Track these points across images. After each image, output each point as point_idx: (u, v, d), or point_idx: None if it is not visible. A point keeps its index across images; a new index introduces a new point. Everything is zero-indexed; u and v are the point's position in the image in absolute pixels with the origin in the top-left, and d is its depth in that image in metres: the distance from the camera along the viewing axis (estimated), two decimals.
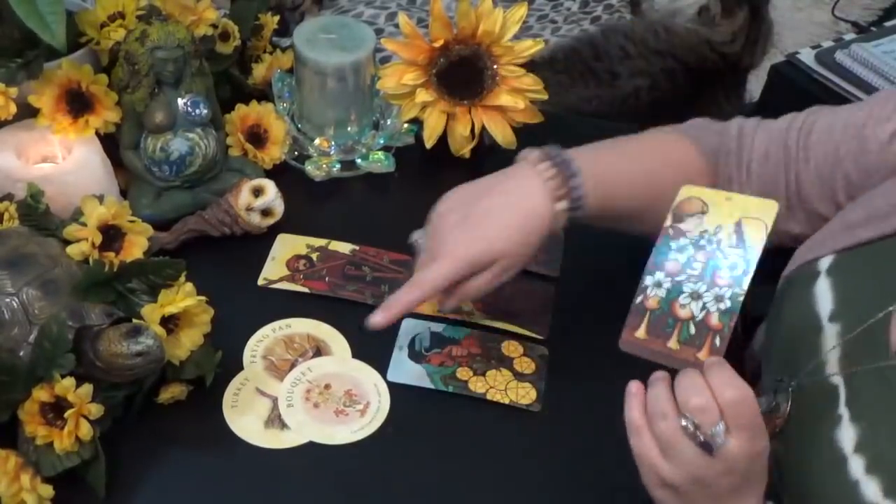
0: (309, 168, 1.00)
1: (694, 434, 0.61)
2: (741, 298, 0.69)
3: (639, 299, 0.72)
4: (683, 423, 0.62)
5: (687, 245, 0.72)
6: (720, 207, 0.73)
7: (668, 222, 0.73)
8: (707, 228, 0.73)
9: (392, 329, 0.85)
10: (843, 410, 0.65)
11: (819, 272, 0.73)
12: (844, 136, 0.77)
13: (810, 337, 0.70)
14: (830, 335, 0.69)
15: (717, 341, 0.69)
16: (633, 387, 0.66)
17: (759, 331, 0.86)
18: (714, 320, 0.70)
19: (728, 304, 0.69)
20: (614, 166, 0.81)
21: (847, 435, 0.64)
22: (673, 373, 0.66)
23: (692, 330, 0.70)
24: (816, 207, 0.79)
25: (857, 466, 0.62)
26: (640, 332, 0.72)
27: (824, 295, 0.71)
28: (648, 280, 0.73)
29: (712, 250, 0.71)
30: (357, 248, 0.93)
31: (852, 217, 0.74)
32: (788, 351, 0.73)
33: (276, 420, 0.77)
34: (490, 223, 0.75)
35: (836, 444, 0.64)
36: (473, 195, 0.77)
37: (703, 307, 0.70)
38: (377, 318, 0.75)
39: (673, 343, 0.70)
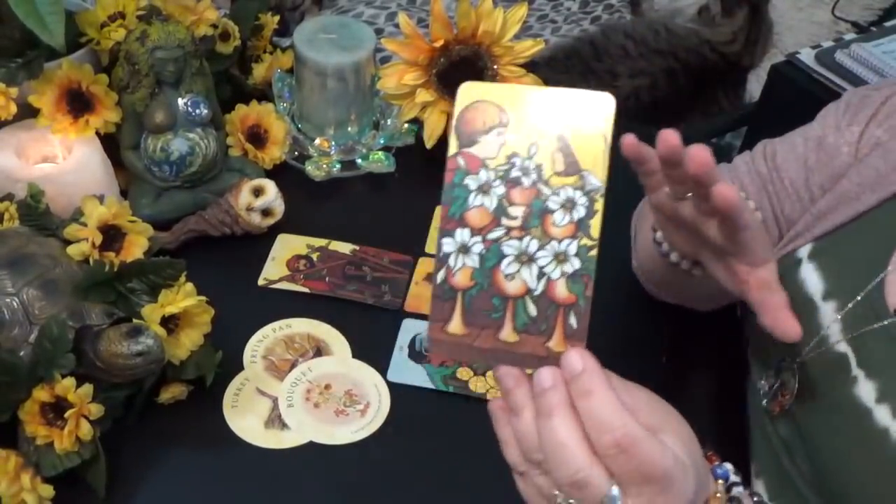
0: (309, 168, 1.00)
1: None
2: (593, 252, 0.49)
3: (440, 276, 0.49)
4: (559, 500, 0.48)
5: (492, 180, 0.49)
6: (527, 114, 0.49)
7: (454, 149, 0.49)
8: (516, 150, 0.49)
9: (392, 329, 0.85)
10: (857, 371, 0.65)
11: (800, 259, 0.74)
12: (807, 148, 0.79)
13: (806, 318, 0.70)
14: (827, 312, 0.70)
15: (573, 320, 0.49)
16: (494, 406, 0.52)
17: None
18: (561, 290, 0.49)
19: (576, 263, 0.49)
20: None
21: (866, 390, 0.64)
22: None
23: (532, 310, 0.49)
24: None
25: (882, 415, 0.62)
26: (455, 326, 0.50)
27: (811, 277, 0.72)
28: (448, 244, 0.49)
29: (532, 183, 0.49)
30: (357, 248, 0.93)
31: (823, 206, 0.75)
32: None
33: (276, 420, 0.77)
34: None
35: (856, 401, 0.64)
36: None
37: (541, 273, 0.49)
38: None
39: (507, 333, 0.49)
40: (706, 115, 1.77)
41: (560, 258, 0.49)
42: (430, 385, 0.81)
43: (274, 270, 0.90)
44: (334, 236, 0.94)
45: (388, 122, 1.04)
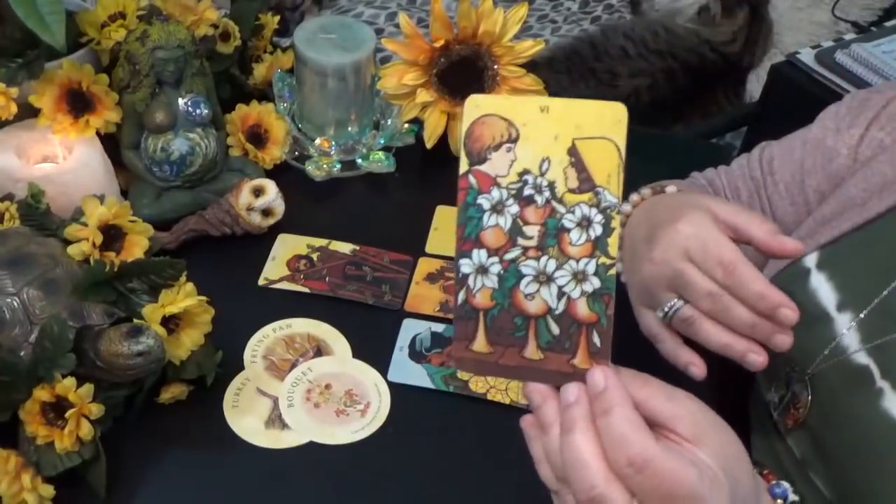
0: (309, 168, 1.00)
1: None
2: (612, 271, 0.48)
3: (461, 297, 0.49)
4: None
5: (505, 199, 0.48)
6: (536, 127, 0.48)
7: (464, 167, 0.48)
8: (527, 167, 0.48)
9: (392, 329, 0.85)
10: (882, 383, 0.64)
11: (808, 269, 0.73)
12: (805, 151, 0.79)
13: (818, 329, 0.70)
14: (842, 322, 0.69)
15: (596, 339, 0.48)
16: (526, 423, 0.51)
17: None
18: (582, 309, 0.48)
19: (596, 282, 0.48)
20: None
21: None
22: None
23: (554, 328, 0.49)
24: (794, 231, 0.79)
25: None
26: (479, 344, 0.49)
27: (822, 288, 0.71)
28: (465, 265, 0.49)
29: (546, 201, 0.48)
30: (357, 248, 0.93)
31: (827, 212, 0.74)
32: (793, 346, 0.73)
33: (276, 420, 0.78)
34: None
35: (885, 416, 0.63)
36: None
37: (561, 293, 0.48)
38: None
39: (532, 351, 0.49)
40: (706, 115, 1.77)
41: (579, 277, 0.48)
42: (430, 385, 0.81)
43: (274, 270, 0.90)
44: (334, 236, 0.94)
45: (388, 122, 1.04)
